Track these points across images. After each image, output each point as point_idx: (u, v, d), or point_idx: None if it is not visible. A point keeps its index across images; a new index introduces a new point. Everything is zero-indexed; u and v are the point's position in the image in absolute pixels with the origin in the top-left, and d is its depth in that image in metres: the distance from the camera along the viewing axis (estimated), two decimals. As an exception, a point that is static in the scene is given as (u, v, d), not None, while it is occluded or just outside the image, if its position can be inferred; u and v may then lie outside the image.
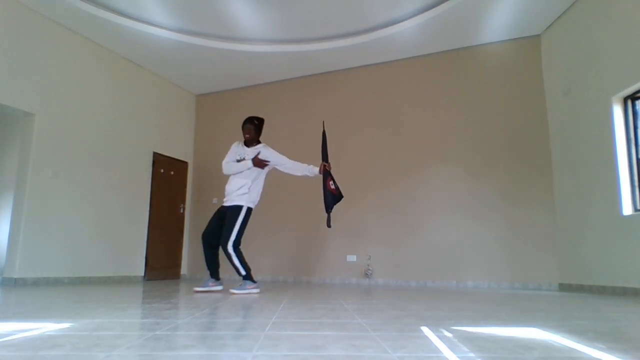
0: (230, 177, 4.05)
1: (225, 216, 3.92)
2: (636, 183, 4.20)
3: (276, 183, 6.84)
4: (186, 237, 7.31)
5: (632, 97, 4.28)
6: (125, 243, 6.21)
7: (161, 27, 5.72)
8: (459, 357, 1.25)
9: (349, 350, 1.34)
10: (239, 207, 3.90)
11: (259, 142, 4.19)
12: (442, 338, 1.56)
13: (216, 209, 4.18)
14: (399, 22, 5.56)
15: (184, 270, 7.21)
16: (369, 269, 5.89)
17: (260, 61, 6.48)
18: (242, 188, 3.92)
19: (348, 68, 6.70)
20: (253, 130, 4.11)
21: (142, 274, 6.45)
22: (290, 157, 4.25)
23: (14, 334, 1.58)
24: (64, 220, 5.37)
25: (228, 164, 4.07)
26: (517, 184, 5.45)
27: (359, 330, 1.75)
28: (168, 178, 7.06)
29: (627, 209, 4.18)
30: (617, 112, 4.35)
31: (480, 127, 5.75)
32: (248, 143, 4.15)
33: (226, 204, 4.00)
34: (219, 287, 4.06)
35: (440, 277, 5.59)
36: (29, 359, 1.18)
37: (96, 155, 5.85)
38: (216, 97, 7.72)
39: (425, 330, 1.75)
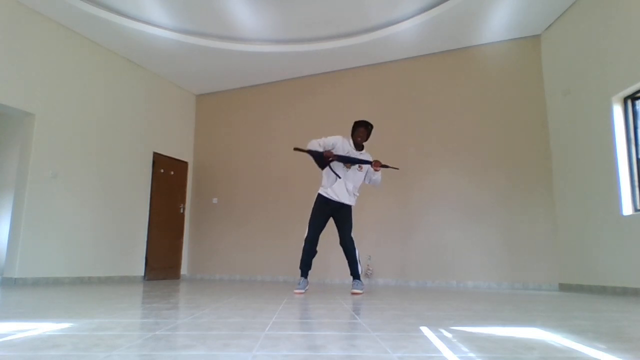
0: (343, 180, 3.97)
1: (338, 213, 4.00)
2: (636, 183, 4.20)
3: (280, 184, 6.84)
4: (186, 237, 7.31)
5: (632, 97, 4.28)
6: (125, 243, 6.21)
7: (161, 27, 5.72)
8: (459, 357, 1.25)
9: (349, 350, 1.34)
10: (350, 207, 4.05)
11: (362, 147, 4.12)
12: (442, 338, 1.56)
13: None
14: (399, 22, 5.56)
15: (184, 270, 7.21)
16: (369, 269, 5.89)
17: (260, 61, 6.48)
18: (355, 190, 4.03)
19: (348, 68, 6.70)
20: (366, 135, 4.04)
21: (142, 274, 6.45)
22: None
23: (14, 334, 1.58)
24: (64, 220, 5.37)
25: (315, 143, 3.98)
26: (517, 184, 5.45)
27: (359, 330, 1.75)
28: (168, 178, 7.06)
29: (627, 209, 4.18)
30: (617, 112, 4.35)
31: (481, 127, 5.75)
32: (357, 145, 4.06)
33: (342, 201, 3.99)
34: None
35: (440, 277, 5.59)
36: (29, 359, 1.18)
37: (96, 155, 5.85)
38: (216, 97, 7.72)
39: (425, 330, 1.75)
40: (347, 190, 3.97)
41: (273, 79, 7.16)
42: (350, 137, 4.07)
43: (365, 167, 4.04)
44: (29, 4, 5.04)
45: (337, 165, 3.97)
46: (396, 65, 6.41)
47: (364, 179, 4.10)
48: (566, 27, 5.16)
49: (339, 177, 3.94)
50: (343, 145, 4.01)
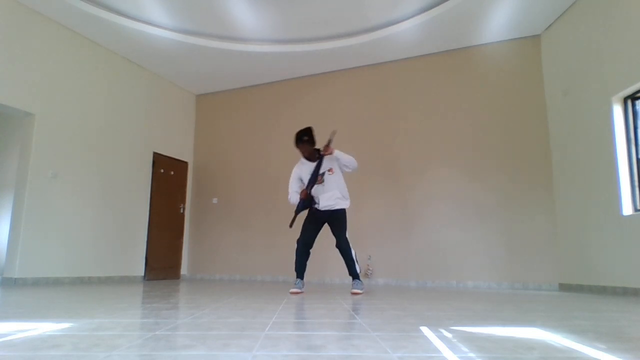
0: (325, 188, 3.98)
1: (331, 218, 4.03)
2: (636, 183, 4.20)
3: (280, 184, 6.84)
4: (186, 237, 7.30)
5: (632, 97, 4.28)
6: (125, 243, 6.21)
7: (161, 27, 5.72)
8: (459, 357, 1.25)
9: (349, 350, 1.34)
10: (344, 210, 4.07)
11: (318, 151, 4.06)
12: (442, 338, 1.56)
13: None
14: (398, 22, 5.55)
15: (184, 270, 7.21)
16: (369, 269, 5.89)
17: (260, 61, 6.48)
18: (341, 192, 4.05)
19: (348, 68, 6.70)
20: (307, 147, 4.00)
21: (142, 274, 6.44)
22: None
23: (14, 334, 1.58)
24: (64, 220, 5.37)
25: (293, 195, 4.06)
26: (517, 184, 5.45)
27: (359, 330, 1.75)
28: (168, 178, 7.06)
29: (627, 209, 4.18)
30: (617, 112, 4.35)
31: (481, 127, 5.75)
32: (310, 158, 4.06)
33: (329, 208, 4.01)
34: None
35: (440, 277, 5.59)
36: (29, 359, 1.18)
37: (96, 156, 5.85)
38: (216, 97, 7.72)
39: (425, 330, 1.75)
40: (335, 198, 4.00)
41: (273, 79, 7.16)
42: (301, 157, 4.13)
43: (334, 165, 4.02)
44: (29, 4, 5.04)
45: (314, 190, 4.00)
46: (396, 65, 6.41)
47: (341, 169, 4.07)
48: (566, 27, 5.16)
49: (317, 202, 3.99)
50: (303, 169, 4.06)
